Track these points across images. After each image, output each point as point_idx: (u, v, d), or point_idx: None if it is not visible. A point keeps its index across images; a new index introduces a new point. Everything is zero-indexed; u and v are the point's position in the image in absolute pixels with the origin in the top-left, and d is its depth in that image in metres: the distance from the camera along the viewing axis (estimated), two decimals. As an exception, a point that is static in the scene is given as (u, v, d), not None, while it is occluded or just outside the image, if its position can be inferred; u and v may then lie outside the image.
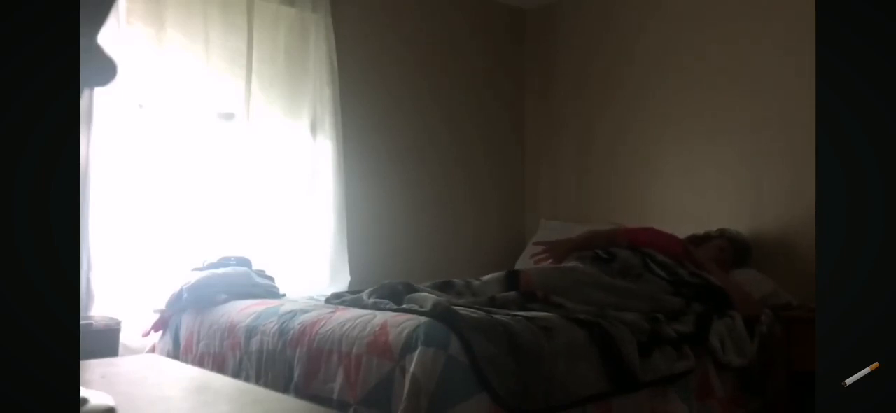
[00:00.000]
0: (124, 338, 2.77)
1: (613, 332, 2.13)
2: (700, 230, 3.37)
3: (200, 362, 2.49)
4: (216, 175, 3.25)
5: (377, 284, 2.56)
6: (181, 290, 2.72)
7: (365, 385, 1.88)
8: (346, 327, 2.03)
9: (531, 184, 4.51)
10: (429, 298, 2.19)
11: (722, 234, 3.30)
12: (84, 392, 0.84)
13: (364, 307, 2.25)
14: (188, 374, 1.27)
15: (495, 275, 2.71)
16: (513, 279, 2.65)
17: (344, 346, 1.99)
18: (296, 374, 2.10)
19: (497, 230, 4.37)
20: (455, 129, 4.21)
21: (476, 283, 2.70)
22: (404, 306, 2.17)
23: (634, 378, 2.09)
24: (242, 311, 2.48)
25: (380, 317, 2.03)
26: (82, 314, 2.71)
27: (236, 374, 2.30)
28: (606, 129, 4.11)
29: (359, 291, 2.62)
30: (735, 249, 3.24)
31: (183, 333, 2.68)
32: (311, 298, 2.81)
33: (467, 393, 1.77)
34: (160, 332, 2.83)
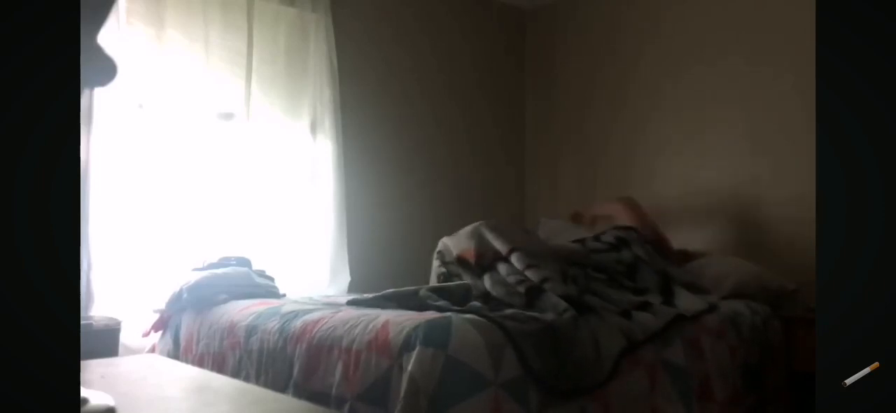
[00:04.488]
0: (124, 338, 2.77)
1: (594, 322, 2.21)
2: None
3: (200, 362, 2.49)
4: (216, 175, 3.24)
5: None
6: (181, 290, 2.72)
7: (363, 381, 1.89)
8: (348, 325, 2.04)
9: (531, 183, 4.51)
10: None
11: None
12: (84, 392, 0.84)
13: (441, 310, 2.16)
14: (188, 374, 1.27)
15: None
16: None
17: (344, 342, 1.99)
18: (295, 370, 2.10)
19: (497, 230, 4.37)
20: (455, 128, 4.20)
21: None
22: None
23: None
24: (242, 311, 2.48)
25: (383, 315, 2.04)
26: (82, 314, 2.71)
27: (236, 373, 2.29)
28: (606, 129, 4.11)
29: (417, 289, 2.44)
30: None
31: (183, 333, 2.68)
32: (312, 298, 2.81)
33: (467, 393, 1.77)
34: (160, 332, 2.83)
